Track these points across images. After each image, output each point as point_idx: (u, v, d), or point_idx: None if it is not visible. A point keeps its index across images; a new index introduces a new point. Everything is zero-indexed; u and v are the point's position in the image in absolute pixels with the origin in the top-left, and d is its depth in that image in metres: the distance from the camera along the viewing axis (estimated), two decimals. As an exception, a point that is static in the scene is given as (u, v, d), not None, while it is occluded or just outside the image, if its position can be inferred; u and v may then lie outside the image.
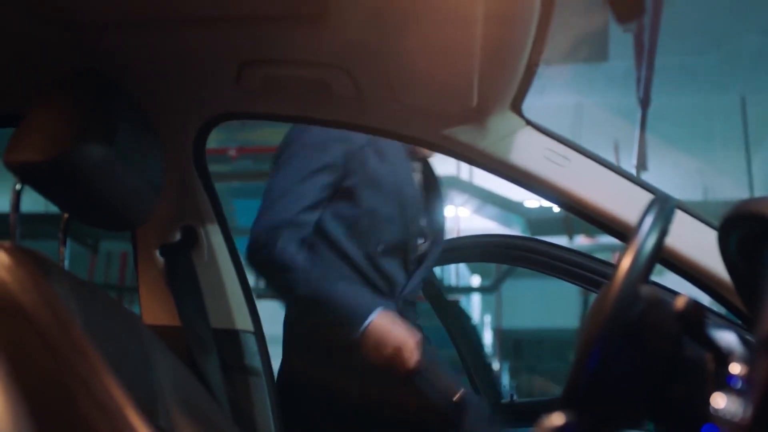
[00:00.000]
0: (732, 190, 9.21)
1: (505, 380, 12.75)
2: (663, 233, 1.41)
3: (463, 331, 2.85)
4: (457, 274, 12.23)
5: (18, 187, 1.82)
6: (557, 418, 0.98)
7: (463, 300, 12.20)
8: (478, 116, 1.93)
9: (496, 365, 12.48)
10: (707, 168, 9.70)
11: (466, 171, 10.16)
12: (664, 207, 1.42)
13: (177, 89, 1.95)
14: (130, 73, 1.84)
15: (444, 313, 2.85)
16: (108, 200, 1.73)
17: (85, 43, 1.80)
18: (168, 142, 1.92)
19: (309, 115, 2.04)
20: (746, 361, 1.28)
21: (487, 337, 12.63)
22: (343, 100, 1.95)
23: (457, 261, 2.98)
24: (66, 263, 1.95)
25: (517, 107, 1.95)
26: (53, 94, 1.70)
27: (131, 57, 1.85)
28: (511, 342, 13.51)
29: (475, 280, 12.97)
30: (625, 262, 1.32)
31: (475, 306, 12.70)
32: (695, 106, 9.58)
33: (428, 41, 1.73)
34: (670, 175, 8.98)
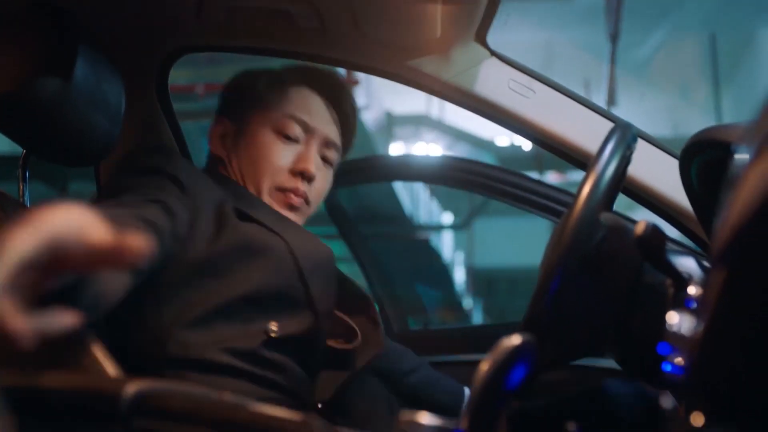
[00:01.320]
0: (701, 125, 9.25)
1: (478, 318, 12.87)
2: (624, 160, 1.41)
3: (371, 257, 2.82)
4: (429, 212, 12.26)
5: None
6: (516, 339, 0.98)
7: (434, 238, 12.25)
8: (442, 47, 1.92)
9: (468, 303, 12.60)
10: (677, 104, 9.74)
11: (436, 109, 10.13)
12: (624, 134, 1.42)
13: (136, 21, 1.92)
14: (86, 5, 1.81)
15: (350, 238, 2.81)
16: (66, 135, 1.71)
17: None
18: (128, 76, 1.89)
19: (272, 47, 2.01)
20: (703, 284, 1.29)
21: (460, 275, 12.71)
22: (307, 31, 1.93)
23: (417, 179, 2.85)
24: (27, 200, 1.93)
25: (481, 38, 1.94)
26: (7, 27, 1.67)
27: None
28: (483, 280, 13.62)
29: (447, 218, 13.00)
30: (585, 189, 1.32)
31: (446, 244, 12.74)
32: (666, 42, 9.57)
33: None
34: (640, 111, 9.01)
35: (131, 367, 1.33)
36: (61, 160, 1.82)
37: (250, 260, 1.60)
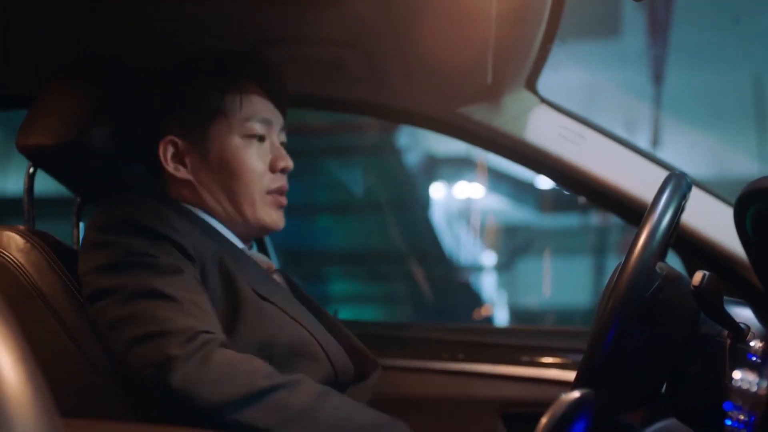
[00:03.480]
0: (747, 167, 9.17)
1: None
2: (678, 210, 1.40)
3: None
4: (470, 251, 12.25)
5: (31, 170, 1.83)
6: (574, 393, 0.98)
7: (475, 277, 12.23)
8: (493, 94, 1.93)
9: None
10: (721, 146, 9.66)
11: (478, 150, 10.14)
12: (679, 183, 1.41)
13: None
14: (143, 57, 1.84)
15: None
16: (119, 183, 1.73)
17: (97, 27, 1.80)
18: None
19: (323, 95, 2.03)
20: (763, 336, 1.28)
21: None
22: (357, 79, 1.94)
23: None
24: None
25: (532, 85, 1.95)
26: (65, 78, 1.70)
27: (144, 40, 1.85)
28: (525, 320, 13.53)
29: (488, 257, 12.97)
30: (641, 238, 1.32)
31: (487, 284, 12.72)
32: (709, 83, 9.53)
33: (442, 19, 1.73)
34: (685, 152, 8.95)
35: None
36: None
37: (255, 325, 1.54)
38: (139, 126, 1.70)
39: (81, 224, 1.95)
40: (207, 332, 1.40)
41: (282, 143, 1.75)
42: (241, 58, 1.75)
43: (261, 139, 1.69)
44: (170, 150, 1.66)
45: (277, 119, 1.74)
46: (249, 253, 1.71)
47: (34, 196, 1.83)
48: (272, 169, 1.69)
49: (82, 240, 1.53)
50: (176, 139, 1.66)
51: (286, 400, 1.38)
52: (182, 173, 1.67)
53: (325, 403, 1.41)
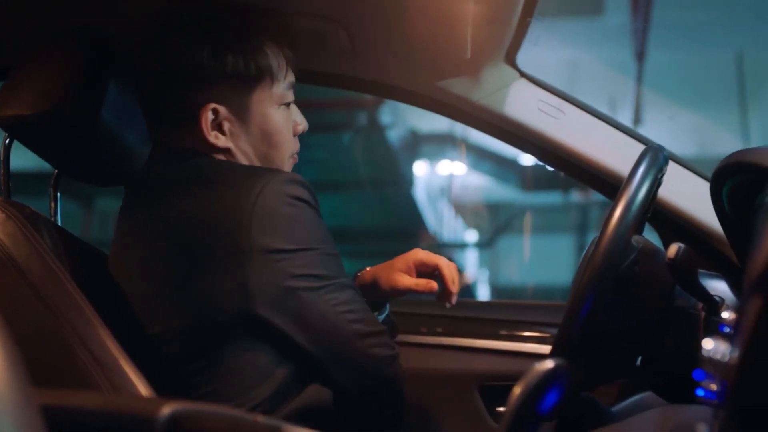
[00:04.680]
0: (728, 145, 9.20)
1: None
2: (655, 183, 1.41)
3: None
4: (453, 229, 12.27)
5: (7, 141, 1.82)
6: (548, 363, 0.98)
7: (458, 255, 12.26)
8: (472, 68, 1.93)
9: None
10: (703, 123, 9.69)
11: (460, 127, 10.13)
12: (656, 157, 1.42)
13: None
14: (120, 29, 1.83)
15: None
16: (98, 155, 1.72)
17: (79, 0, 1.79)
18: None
19: (303, 68, 2.02)
20: (736, 308, 1.29)
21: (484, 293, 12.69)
22: (337, 52, 1.94)
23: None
24: (59, 219, 1.95)
25: (511, 59, 1.95)
26: (44, 49, 1.69)
27: (122, 12, 1.84)
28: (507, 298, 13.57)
29: (471, 236, 13.00)
30: (617, 211, 1.32)
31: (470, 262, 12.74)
32: (692, 61, 9.55)
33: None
34: (666, 130, 8.97)
35: None
36: (93, 180, 1.84)
37: None
38: (174, 93, 1.64)
39: (58, 197, 1.94)
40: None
41: None
42: (274, 19, 1.70)
43: (289, 104, 1.70)
44: (210, 117, 1.61)
45: (294, 81, 1.73)
46: None
47: (9, 167, 1.82)
48: (294, 132, 1.72)
49: (274, 214, 1.51)
50: (217, 107, 1.61)
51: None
52: (222, 141, 1.63)
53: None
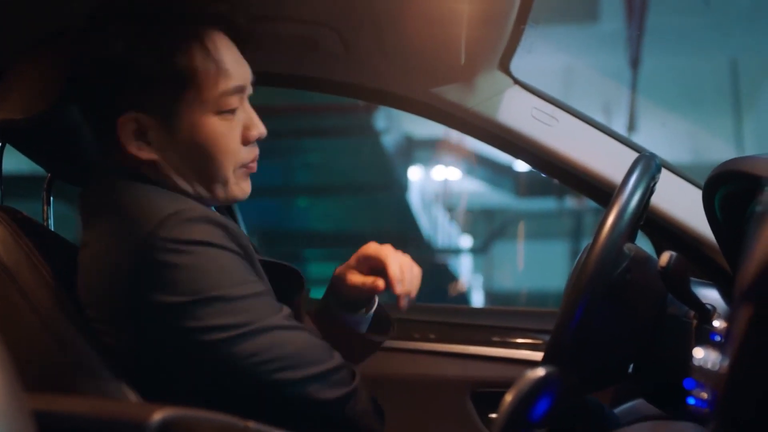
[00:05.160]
0: (723, 152, 9.22)
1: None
2: (647, 191, 1.41)
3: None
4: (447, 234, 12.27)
5: (-1, 145, 1.82)
6: (539, 371, 0.98)
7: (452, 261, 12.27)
8: (466, 74, 1.93)
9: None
10: (698, 130, 9.71)
11: (455, 132, 10.13)
12: (649, 165, 1.43)
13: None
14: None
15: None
16: (91, 159, 1.72)
17: (67, 2, 1.78)
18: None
19: (296, 73, 2.03)
20: (726, 317, 1.29)
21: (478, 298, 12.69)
22: (331, 58, 1.94)
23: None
24: (51, 223, 1.94)
25: (505, 66, 1.95)
26: (35, 53, 1.69)
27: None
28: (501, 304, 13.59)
29: (465, 241, 13.01)
30: (609, 219, 1.32)
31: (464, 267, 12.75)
32: (686, 67, 9.57)
33: (415, -1, 1.73)
34: (660, 137, 8.99)
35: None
36: (84, 183, 1.84)
37: None
38: (95, 100, 1.50)
39: (51, 200, 1.94)
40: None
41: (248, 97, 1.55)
42: (212, 16, 1.49)
43: (234, 110, 1.48)
44: (131, 127, 1.44)
45: (249, 80, 1.52)
46: None
47: (2, 172, 1.82)
48: (245, 140, 1.51)
49: (151, 265, 1.35)
50: (138, 115, 1.44)
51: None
52: (146, 153, 1.46)
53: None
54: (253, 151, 1.53)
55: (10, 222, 1.50)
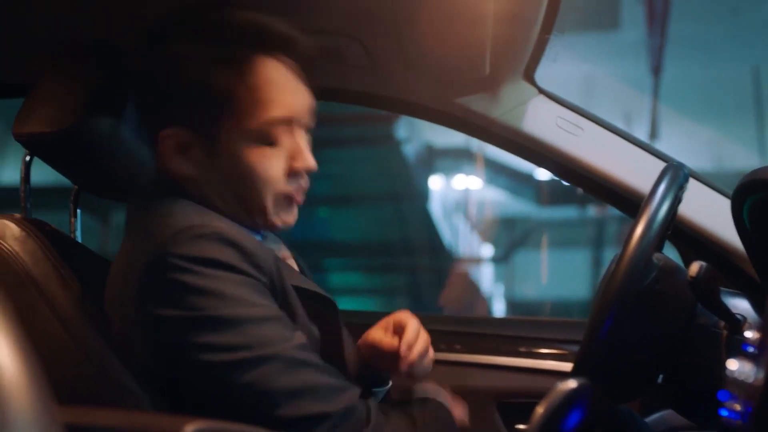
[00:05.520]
0: (744, 159, 9.17)
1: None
2: (676, 200, 1.40)
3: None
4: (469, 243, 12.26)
5: (27, 158, 1.83)
6: (571, 383, 0.98)
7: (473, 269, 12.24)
8: (491, 84, 1.93)
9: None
10: (719, 138, 9.67)
11: (476, 141, 10.14)
12: (677, 174, 1.42)
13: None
14: (140, 44, 1.83)
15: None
16: (116, 172, 1.72)
17: (94, 14, 1.79)
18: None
19: (321, 85, 2.02)
20: (759, 327, 1.28)
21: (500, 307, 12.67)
22: (355, 69, 1.94)
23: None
24: (78, 235, 1.95)
25: (529, 76, 1.95)
26: (62, 66, 1.70)
27: (142, 27, 1.84)
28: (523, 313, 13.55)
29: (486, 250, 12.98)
30: (638, 229, 1.32)
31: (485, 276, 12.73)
32: (708, 75, 9.53)
33: (440, 9, 1.73)
34: (682, 144, 8.96)
35: None
36: (111, 196, 1.84)
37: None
38: (142, 112, 1.53)
39: (78, 212, 1.94)
40: (355, 397, 1.39)
41: (306, 128, 1.51)
42: (270, 34, 1.47)
43: (280, 141, 1.46)
44: (173, 141, 1.44)
45: (305, 112, 1.49)
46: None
47: (30, 184, 1.83)
48: (289, 171, 1.47)
49: (158, 281, 1.34)
50: (180, 131, 1.44)
51: None
52: (186, 169, 1.45)
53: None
54: (297, 183, 1.49)
55: (39, 234, 1.51)
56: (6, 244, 1.48)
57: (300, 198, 1.51)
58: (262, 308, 1.35)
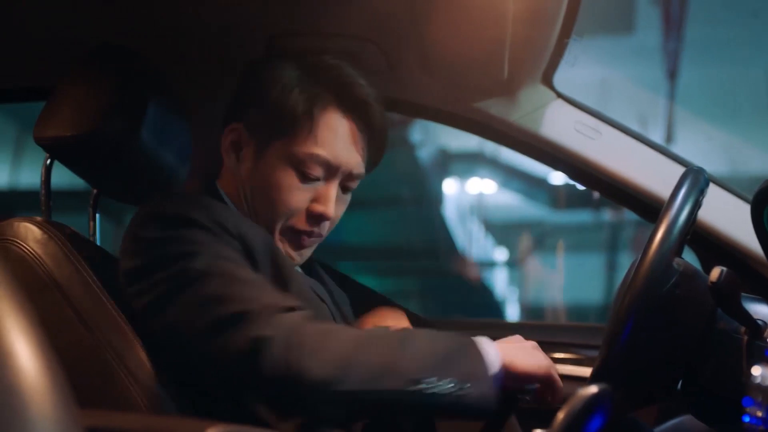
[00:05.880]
0: (761, 164, 9.13)
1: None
2: (696, 205, 1.40)
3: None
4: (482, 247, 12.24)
5: (48, 162, 1.83)
6: (592, 388, 0.98)
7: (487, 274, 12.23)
8: (509, 89, 1.93)
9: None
10: (736, 142, 9.63)
11: (490, 145, 10.12)
12: (697, 179, 1.41)
13: (206, 63, 1.95)
14: (159, 48, 1.84)
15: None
16: (136, 175, 1.73)
17: (114, 18, 1.80)
18: (197, 117, 1.92)
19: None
20: (782, 333, 1.27)
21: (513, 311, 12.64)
22: (374, 73, 1.93)
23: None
24: (97, 238, 1.96)
25: (548, 80, 1.95)
26: (83, 69, 1.70)
27: (161, 31, 1.85)
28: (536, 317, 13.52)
29: (501, 254, 12.97)
30: (659, 234, 1.31)
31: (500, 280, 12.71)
32: (724, 78, 9.50)
33: (459, 13, 1.73)
34: (698, 148, 8.92)
35: None
36: (130, 200, 1.85)
37: None
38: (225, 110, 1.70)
39: (97, 216, 1.95)
40: (292, 308, 1.39)
41: (347, 190, 1.66)
42: (348, 87, 1.63)
43: (315, 179, 1.59)
44: (233, 137, 1.65)
45: (348, 166, 1.62)
46: None
47: (51, 187, 1.84)
48: (309, 211, 1.60)
49: (127, 239, 1.50)
50: (242, 130, 1.64)
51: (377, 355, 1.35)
52: (230, 161, 1.65)
53: (405, 346, 1.38)
54: (307, 223, 1.61)
55: (60, 237, 1.51)
56: (28, 247, 1.49)
57: (308, 242, 1.63)
58: (207, 247, 1.43)
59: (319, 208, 1.59)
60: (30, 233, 1.51)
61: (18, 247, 1.50)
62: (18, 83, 2.05)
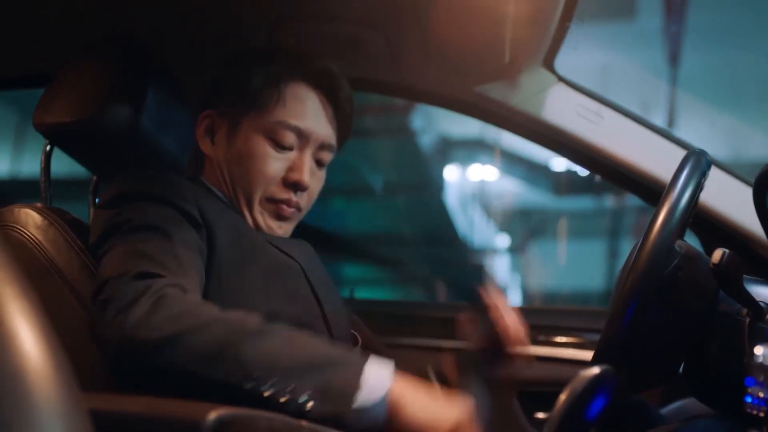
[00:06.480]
0: (763, 148, 9.12)
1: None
2: (698, 188, 1.39)
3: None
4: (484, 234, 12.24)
5: (47, 148, 1.83)
6: (594, 369, 0.98)
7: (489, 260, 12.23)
8: (511, 72, 1.93)
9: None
10: (738, 126, 9.62)
11: (492, 131, 10.12)
12: (699, 162, 1.41)
13: (207, 50, 1.94)
14: (159, 35, 1.84)
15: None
16: (136, 161, 1.73)
17: (115, 5, 1.80)
18: (198, 103, 1.91)
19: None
20: (784, 314, 1.27)
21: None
22: (375, 58, 1.94)
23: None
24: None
25: (549, 63, 1.94)
26: (83, 56, 1.70)
27: (161, 18, 1.85)
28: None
29: (502, 240, 12.97)
30: (660, 216, 1.31)
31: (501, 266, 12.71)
32: (726, 63, 9.48)
33: (460, -3, 1.73)
34: (700, 132, 8.91)
35: None
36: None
37: (270, 285, 1.54)
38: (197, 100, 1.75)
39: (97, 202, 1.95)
40: (172, 285, 1.31)
41: (321, 163, 1.70)
42: (312, 64, 1.69)
43: (288, 148, 1.65)
44: (207, 123, 1.70)
45: (319, 136, 1.67)
46: None
47: (50, 174, 1.84)
48: (285, 180, 1.65)
49: (92, 217, 1.55)
50: (214, 115, 1.70)
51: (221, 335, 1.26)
52: (205, 146, 1.70)
53: (259, 342, 1.27)
54: (285, 192, 1.65)
55: (61, 223, 1.52)
56: (28, 233, 1.50)
57: (287, 212, 1.66)
58: (162, 215, 1.46)
59: (294, 176, 1.64)
60: (30, 219, 1.52)
61: (18, 233, 1.50)
62: (19, 70, 2.05)
